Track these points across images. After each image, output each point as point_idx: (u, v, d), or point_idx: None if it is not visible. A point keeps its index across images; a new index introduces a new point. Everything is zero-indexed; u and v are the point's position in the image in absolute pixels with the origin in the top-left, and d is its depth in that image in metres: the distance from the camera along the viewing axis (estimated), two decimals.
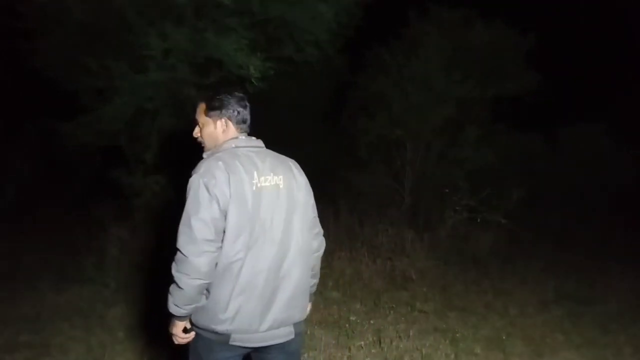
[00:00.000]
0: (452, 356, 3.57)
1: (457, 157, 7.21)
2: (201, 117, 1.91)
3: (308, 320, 4.06)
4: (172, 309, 1.74)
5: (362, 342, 3.67)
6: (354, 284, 4.91)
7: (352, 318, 4.10)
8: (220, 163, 1.72)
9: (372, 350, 3.60)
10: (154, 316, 3.99)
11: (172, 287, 1.71)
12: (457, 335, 3.92)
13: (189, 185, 1.71)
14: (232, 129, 1.88)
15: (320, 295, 4.59)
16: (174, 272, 1.69)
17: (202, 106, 1.91)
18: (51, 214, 7.12)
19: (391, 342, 3.69)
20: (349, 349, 3.59)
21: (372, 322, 4.06)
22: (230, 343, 1.75)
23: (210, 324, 1.74)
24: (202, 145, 1.94)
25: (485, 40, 7.39)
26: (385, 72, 7.35)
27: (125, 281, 4.70)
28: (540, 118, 9.19)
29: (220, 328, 1.73)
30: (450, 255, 5.87)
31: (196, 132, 1.94)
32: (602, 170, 8.77)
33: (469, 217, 6.34)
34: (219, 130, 1.87)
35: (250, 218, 1.71)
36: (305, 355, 3.48)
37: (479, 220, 6.20)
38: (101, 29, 5.14)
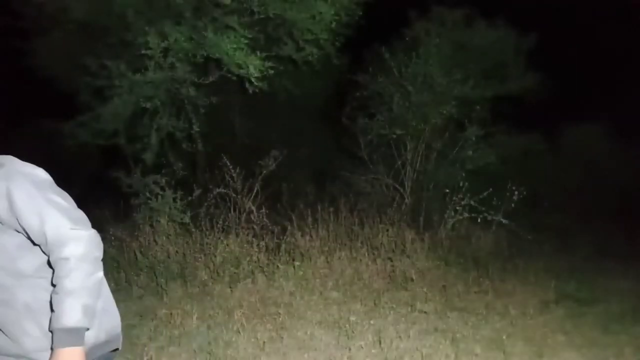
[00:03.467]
0: (452, 356, 3.55)
1: (457, 157, 7.19)
2: None
3: (308, 320, 4.07)
4: (83, 317, 1.28)
5: (362, 342, 3.66)
6: (354, 284, 4.89)
7: (352, 318, 4.08)
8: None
9: (372, 351, 3.58)
10: (153, 317, 3.99)
11: (80, 285, 1.28)
12: (458, 335, 3.90)
13: (19, 190, 1.31)
14: None
15: (320, 295, 4.58)
16: (79, 259, 1.29)
17: None
18: None
19: (391, 343, 3.67)
20: (349, 349, 3.57)
21: (372, 322, 4.04)
22: (118, 346, 1.52)
23: (116, 329, 1.48)
24: None
25: (486, 39, 7.37)
26: (386, 71, 7.33)
27: (124, 281, 4.68)
28: (541, 118, 9.17)
29: (118, 330, 1.48)
30: (450, 255, 5.84)
31: None
32: (602, 170, 8.76)
33: (469, 217, 6.32)
34: None
35: None
36: (306, 355, 3.48)
37: (479, 220, 6.18)
38: (100, 28, 5.13)
